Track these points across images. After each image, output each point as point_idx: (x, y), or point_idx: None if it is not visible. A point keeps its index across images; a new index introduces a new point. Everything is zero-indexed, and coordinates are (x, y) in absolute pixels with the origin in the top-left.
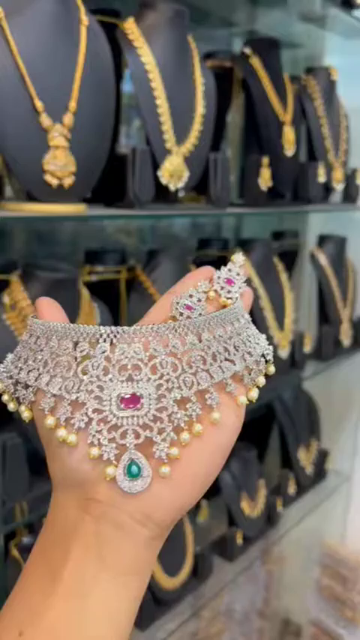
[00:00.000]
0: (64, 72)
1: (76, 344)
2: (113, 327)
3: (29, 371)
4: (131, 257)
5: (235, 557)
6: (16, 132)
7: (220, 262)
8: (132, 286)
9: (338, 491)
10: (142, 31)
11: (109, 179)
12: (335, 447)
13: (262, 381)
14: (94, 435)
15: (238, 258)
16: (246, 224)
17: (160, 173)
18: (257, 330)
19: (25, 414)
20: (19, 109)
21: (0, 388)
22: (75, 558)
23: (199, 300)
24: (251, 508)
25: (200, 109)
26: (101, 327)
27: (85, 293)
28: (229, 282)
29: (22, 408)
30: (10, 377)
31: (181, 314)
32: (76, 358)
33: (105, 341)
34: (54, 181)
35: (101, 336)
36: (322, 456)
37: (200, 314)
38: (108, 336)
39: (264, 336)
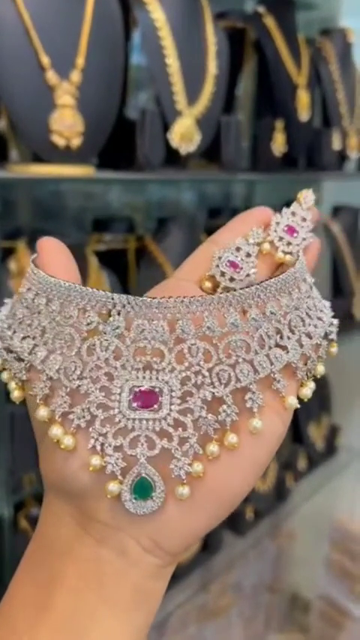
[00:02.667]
0: (71, 26)
1: (83, 312)
2: (131, 297)
3: (23, 337)
4: (140, 228)
5: (245, 531)
6: (21, 90)
7: None
8: (141, 255)
9: (349, 467)
10: None
11: (117, 145)
12: (347, 422)
13: (321, 370)
14: (96, 439)
15: (309, 196)
16: (257, 194)
17: (170, 135)
18: (320, 297)
19: (15, 394)
20: (24, 66)
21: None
22: (70, 586)
23: (249, 255)
24: (261, 482)
25: (212, 69)
26: (115, 295)
27: (93, 261)
28: (291, 230)
29: (13, 384)
30: (2, 340)
31: (223, 274)
32: (81, 332)
33: (119, 313)
34: (61, 142)
35: (114, 306)
36: (333, 432)
37: (248, 275)
38: (124, 307)
39: (328, 305)
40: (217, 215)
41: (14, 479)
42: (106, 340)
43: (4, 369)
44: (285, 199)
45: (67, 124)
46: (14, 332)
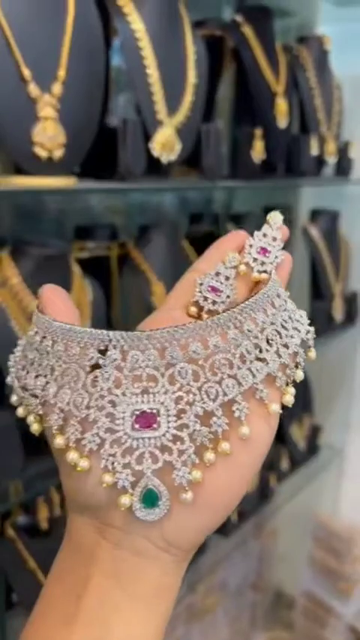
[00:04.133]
0: (51, 38)
1: (84, 349)
2: (123, 332)
3: (36, 376)
4: (122, 233)
5: (229, 532)
6: (3, 103)
7: (211, 237)
8: (124, 262)
9: (331, 466)
10: None
11: (98, 152)
12: (328, 421)
13: (300, 375)
14: (107, 459)
15: (276, 218)
16: (237, 199)
17: (151, 145)
18: (295, 308)
19: (35, 427)
20: (5, 78)
21: (15, 400)
22: (94, 585)
23: (227, 279)
24: None
25: (192, 78)
26: (109, 332)
27: (76, 269)
28: (264, 251)
29: (31, 418)
30: (19, 380)
31: (206, 298)
32: (84, 367)
33: (115, 347)
34: (43, 153)
35: (110, 341)
36: (315, 431)
37: (228, 296)
38: (118, 341)
39: (304, 314)
40: (198, 221)
41: (0, 489)
42: (107, 372)
43: (20, 405)
44: (264, 204)
45: (49, 136)
46: (27, 372)
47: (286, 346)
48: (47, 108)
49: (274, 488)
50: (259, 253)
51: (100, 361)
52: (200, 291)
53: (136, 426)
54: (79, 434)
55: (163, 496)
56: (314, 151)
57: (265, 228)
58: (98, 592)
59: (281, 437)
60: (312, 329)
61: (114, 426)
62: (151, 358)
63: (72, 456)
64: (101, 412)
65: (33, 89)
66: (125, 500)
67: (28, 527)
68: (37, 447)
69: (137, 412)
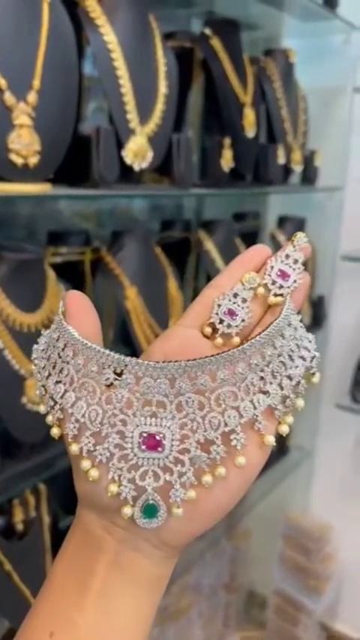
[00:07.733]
0: (27, 49)
1: (101, 369)
2: (139, 360)
3: (57, 382)
4: (94, 239)
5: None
6: None
7: (182, 243)
8: (97, 268)
9: (300, 466)
10: (103, 9)
11: (71, 159)
12: (297, 423)
13: (300, 404)
14: (114, 472)
15: (302, 239)
16: (207, 206)
17: (124, 153)
18: (305, 333)
19: (54, 431)
20: None
21: (38, 394)
22: (101, 572)
23: (244, 301)
24: None
25: (162, 88)
26: (126, 358)
27: (51, 274)
28: (283, 275)
29: (50, 418)
30: (40, 377)
31: (221, 321)
32: (100, 385)
33: (130, 372)
34: (19, 160)
35: (126, 366)
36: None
37: (243, 320)
38: (133, 367)
39: (312, 338)
40: (169, 227)
41: None
42: (120, 393)
43: (42, 402)
44: (233, 211)
45: (24, 143)
46: (49, 374)
47: (289, 377)
48: (22, 116)
49: None
50: (278, 276)
51: (116, 382)
52: (217, 313)
53: (143, 446)
54: (92, 446)
55: (161, 509)
56: (281, 159)
57: (288, 248)
58: (104, 578)
59: None
60: (317, 354)
61: (123, 443)
62: (162, 386)
63: (85, 464)
64: (113, 429)
65: (8, 98)
66: (127, 510)
67: (4, 530)
68: (12, 449)
69: (145, 434)
